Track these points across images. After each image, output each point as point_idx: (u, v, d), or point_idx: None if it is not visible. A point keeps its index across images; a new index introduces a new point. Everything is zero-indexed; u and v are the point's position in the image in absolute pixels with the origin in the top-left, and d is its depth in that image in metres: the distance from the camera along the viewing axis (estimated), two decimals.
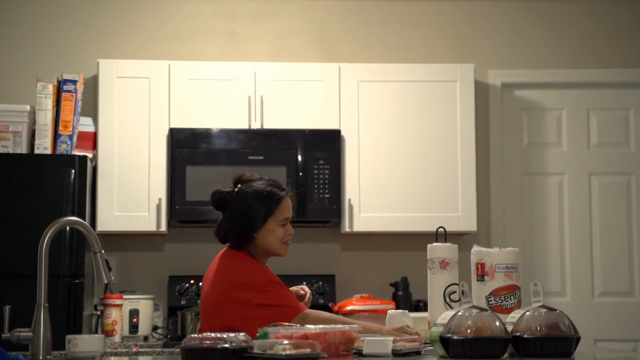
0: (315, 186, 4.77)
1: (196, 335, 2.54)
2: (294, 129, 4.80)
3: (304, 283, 4.97)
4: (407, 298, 4.91)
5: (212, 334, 2.53)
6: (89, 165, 4.55)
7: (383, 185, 4.87)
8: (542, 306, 2.58)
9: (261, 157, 4.75)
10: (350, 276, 5.13)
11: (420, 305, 4.85)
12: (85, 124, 4.78)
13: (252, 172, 3.30)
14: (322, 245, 5.15)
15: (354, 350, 2.67)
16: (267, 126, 4.83)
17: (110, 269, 2.85)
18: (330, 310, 4.68)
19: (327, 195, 4.78)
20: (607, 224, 5.25)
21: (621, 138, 5.31)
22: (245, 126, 4.82)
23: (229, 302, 3.10)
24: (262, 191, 3.18)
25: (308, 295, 3.41)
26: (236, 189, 3.22)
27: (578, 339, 2.55)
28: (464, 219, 4.87)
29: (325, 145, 4.80)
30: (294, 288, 3.42)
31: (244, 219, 3.16)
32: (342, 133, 4.86)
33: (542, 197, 5.26)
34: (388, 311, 3.07)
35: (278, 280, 3.18)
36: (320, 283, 5.00)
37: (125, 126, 4.78)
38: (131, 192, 4.74)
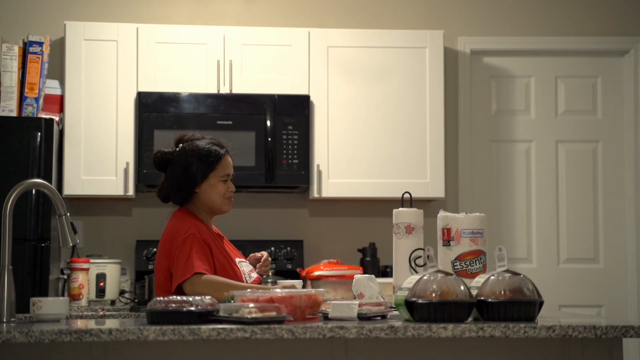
0: (284, 151, 4.76)
1: (162, 298, 2.55)
2: (263, 94, 4.78)
3: (272, 249, 4.98)
4: (375, 264, 4.94)
5: (178, 297, 2.54)
6: (56, 128, 4.50)
7: (352, 151, 4.87)
8: (507, 271, 2.61)
9: (230, 122, 4.74)
10: (319, 242, 5.14)
11: (387, 271, 4.88)
12: (52, 87, 4.73)
13: (193, 133, 3.41)
14: (290, 211, 5.16)
15: (320, 314, 2.69)
16: (235, 91, 4.81)
17: (75, 232, 2.84)
18: (297, 275, 4.69)
19: (295, 161, 4.77)
20: (574, 191, 5.30)
21: (588, 106, 5.35)
22: (214, 91, 4.79)
23: (165, 257, 3.21)
24: (203, 148, 3.30)
25: (264, 257, 3.45)
26: (177, 149, 3.32)
27: (541, 303, 2.59)
28: (432, 185, 4.89)
29: (295, 111, 4.79)
30: (252, 255, 3.48)
31: (186, 175, 3.28)
32: (312, 98, 4.85)
33: (509, 164, 5.29)
34: (354, 276, 3.08)
35: (203, 236, 3.22)
36: (289, 248, 5.01)
37: (93, 89, 4.74)
38: (98, 155, 4.71)
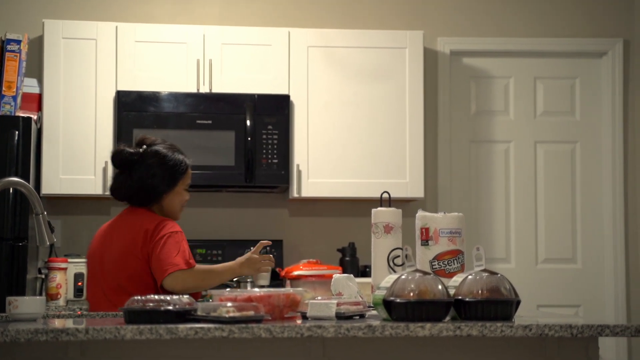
0: (264, 151, 4.76)
1: (140, 297, 2.54)
2: (243, 93, 4.78)
3: (251, 248, 4.97)
4: (354, 263, 4.94)
5: (156, 296, 2.53)
6: (34, 127, 4.48)
7: (332, 151, 4.87)
8: (484, 270, 2.62)
9: (209, 122, 4.73)
10: (298, 241, 5.14)
11: (367, 271, 4.88)
12: (30, 85, 4.70)
13: (155, 136, 3.51)
14: (270, 211, 5.15)
15: (298, 313, 2.68)
16: (215, 90, 4.80)
17: (52, 231, 2.83)
18: (277, 275, 4.68)
19: (275, 161, 4.77)
20: (552, 191, 5.32)
21: (567, 107, 5.37)
22: (193, 90, 4.78)
23: (138, 255, 3.31)
24: (172, 158, 3.42)
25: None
26: (141, 150, 3.40)
27: (518, 303, 2.59)
28: (411, 186, 4.90)
29: (274, 110, 4.79)
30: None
31: (155, 181, 3.38)
32: (292, 98, 4.85)
33: (488, 165, 5.31)
34: (333, 275, 3.08)
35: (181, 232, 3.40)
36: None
37: (71, 88, 4.72)
38: (77, 154, 4.69)
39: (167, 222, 3.36)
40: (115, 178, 3.45)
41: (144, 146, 3.42)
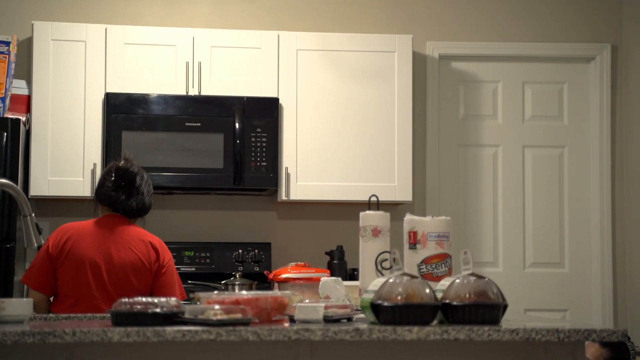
0: (253, 154, 4.76)
1: (127, 299, 2.53)
2: (232, 96, 4.78)
3: (240, 251, 4.98)
4: (342, 266, 4.94)
5: (143, 299, 2.53)
6: (22, 128, 4.48)
7: (320, 155, 4.88)
8: (472, 274, 2.62)
9: (198, 124, 4.73)
10: (286, 244, 5.14)
11: (355, 274, 4.89)
12: (19, 87, 4.70)
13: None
14: (258, 214, 5.16)
15: (286, 316, 2.68)
16: (204, 93, 4.80)
17: (40, 233, 2.82)
18: (265, 278, 4.69)
19: (264, 164, 4.77)
20: (540, 196, 5.34)
21: (555, 111, 5.39)
22: (182, 92, 4.78)
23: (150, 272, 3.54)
24: None
25: None
26: (136, 168, 3.61)
27: (505, 307, 2.60)
28: (399, 189, 4.91)
29: (264, 113, 4.79)
30: None
31: (150, 199, 3.64)
32: (281, 101, 4.85)
33: (477, 169, 5.33)
34: (321, 278, 3.08)
35: None
36: (256, 251, 5.01)
37: (60, 90, 4.71)
38: (65, 156, 4.68)
39: (160, 240, 3.59)
40: (125, 193, 3.55)
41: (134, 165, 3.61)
